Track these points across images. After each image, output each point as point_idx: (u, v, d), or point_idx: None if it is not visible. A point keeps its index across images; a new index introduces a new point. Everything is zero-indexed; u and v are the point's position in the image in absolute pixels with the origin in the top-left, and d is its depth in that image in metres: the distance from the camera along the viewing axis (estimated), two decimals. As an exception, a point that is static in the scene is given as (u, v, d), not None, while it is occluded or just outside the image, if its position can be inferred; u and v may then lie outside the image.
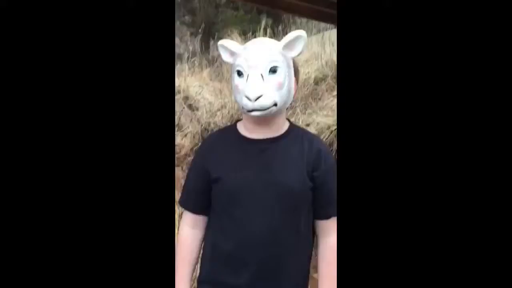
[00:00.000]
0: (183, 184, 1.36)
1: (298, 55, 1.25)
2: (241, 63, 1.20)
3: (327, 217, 1.28)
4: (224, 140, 1.33)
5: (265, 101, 1.17)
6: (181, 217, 1.39)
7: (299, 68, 1.36)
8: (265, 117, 1.22)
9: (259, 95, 1.16)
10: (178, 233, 1.35)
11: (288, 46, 1.21)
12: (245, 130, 1.30)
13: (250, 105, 1.17)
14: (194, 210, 1.33)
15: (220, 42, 1.29)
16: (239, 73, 1.21)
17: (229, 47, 1.26)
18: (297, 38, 1.20)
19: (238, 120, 1.36)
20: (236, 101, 1.26)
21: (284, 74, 1.20)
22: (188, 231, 1.34)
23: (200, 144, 1.41)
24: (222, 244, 1.26)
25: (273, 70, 1.18)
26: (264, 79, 1.17)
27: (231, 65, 1.27)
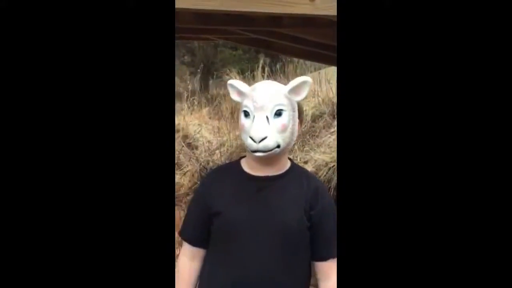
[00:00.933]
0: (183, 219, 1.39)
1: (303, 99, 1.29)
2: (248, 104, 1.25)
3: (325, 259, 1.29)
4: (227, 175, 1.36)
5: (268, 143, 1.21)
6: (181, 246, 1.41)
7: (303, 109, 1.40)
8: (268, 157, 1.25)
9: (263, 137, 1.20)
10: (177, 264, 1.36)
11: (294, 90, 1.26)
12: (248, 167, 1.33)
13: (254, 146, 1.21)
14: (194, 243, 1.35)
15: (230, 81, 1.34)
16: (246, 114, 1.26)
17: (238, 86, 1.30)
18: (303, 84, 1.26)
19: (242, 156, 1.40)
20: (241, 139, 1.30)
21: (289, 117, 1.25)
22: (186, 263, 1.36)
23: (203, 177, 1.43)
24: (218, 279, 1.27)
25: (278, 113, 1.23)
26: (269, 121, 1.22)
27: (239, 104, 1.32)
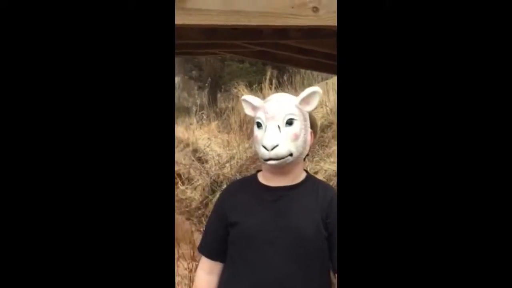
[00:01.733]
0: (197, 235, 1.41)
1: (314, 109, 1.33)
2: (260, 116, 1.28)
3: None
4: (243, 187, 1.39)
5: (280, 151, 1.23)
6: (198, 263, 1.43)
7: (317, 122, 1.43)
8: (282, 166, 1.27)
9: (275, 144, 1.22)
10: (194, 279, 1.38)
11: (305, 100, 1.30)
12: (264, 178, 1.34)
13: (266, 154, 1.23)
14: (211, 256, 1.36)
15: (243, 97, 1.38)
16: (259, 125, 1.29)
17: (251, 101, 1.34)
18: (312, 94, 1.29)
19: (259, 170, 1.42)
20: (256, 152, 1.33)
21: (300, 127, 1.27)
22: (204, 277, 1.36)
23: (222, 191, 1.47)
24: None
25: (289, 122, 1.25)
26: (281, 130, 1.25)
27: (249, 117, 1.37)
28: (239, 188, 1.42)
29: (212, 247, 1.36)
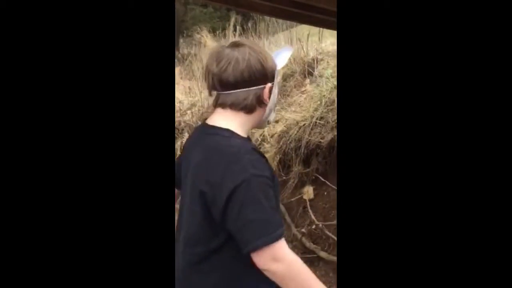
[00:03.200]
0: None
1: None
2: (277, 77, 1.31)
3: None
4: (243, 145, 1.25)
5: None
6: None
7: None
8: None
9: None
10: (292, 259, 1.16)
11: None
12: (246, 133, 1.32)
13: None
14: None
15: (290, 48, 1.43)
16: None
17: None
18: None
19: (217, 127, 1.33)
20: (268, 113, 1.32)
21: None
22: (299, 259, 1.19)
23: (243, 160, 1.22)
24: None
25: None
26: None
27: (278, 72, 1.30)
28: (247, 149, 1.23)
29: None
